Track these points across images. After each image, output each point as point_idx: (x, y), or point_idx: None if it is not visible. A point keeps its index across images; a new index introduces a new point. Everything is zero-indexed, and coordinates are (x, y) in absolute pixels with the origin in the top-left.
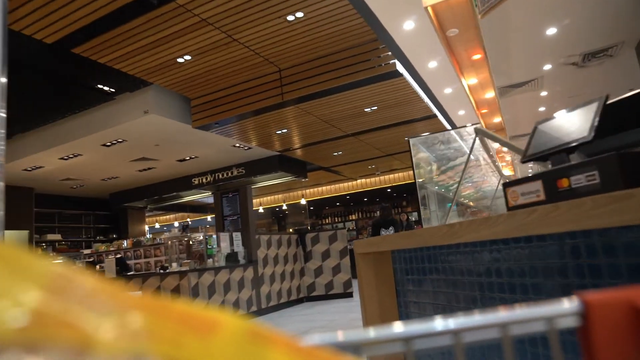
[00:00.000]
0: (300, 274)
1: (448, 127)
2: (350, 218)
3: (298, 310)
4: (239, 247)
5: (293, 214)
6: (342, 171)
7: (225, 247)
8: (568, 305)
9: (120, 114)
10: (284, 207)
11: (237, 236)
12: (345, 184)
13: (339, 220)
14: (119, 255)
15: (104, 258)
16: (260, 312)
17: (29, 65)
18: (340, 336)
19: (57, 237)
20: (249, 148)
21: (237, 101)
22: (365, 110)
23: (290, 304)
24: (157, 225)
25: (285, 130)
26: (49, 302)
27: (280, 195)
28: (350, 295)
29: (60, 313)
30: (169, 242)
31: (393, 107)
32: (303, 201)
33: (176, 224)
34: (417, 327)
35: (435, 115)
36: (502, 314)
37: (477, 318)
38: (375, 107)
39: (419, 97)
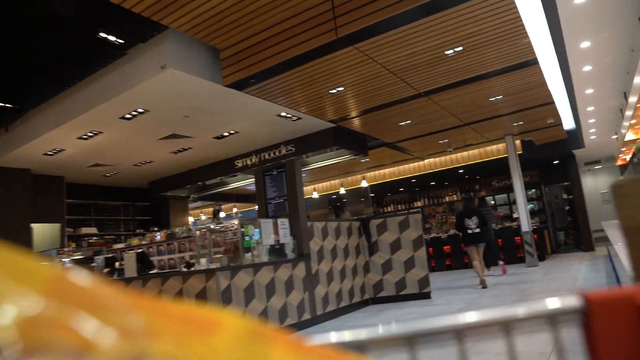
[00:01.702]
0: (365, 270)
1: (552, 82)
2: (416, 205)
3: (362, 317)
4: (286, 238)
5: (352, 201)
6: (408, 148)
7: (268, 237)
8: (570, 303)
9: (134, 72)
10: (342, 192)
11: (283, 223)
12: (411, 165)
13: (403, 208)
14: (140, 250)
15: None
16: (315, 320)
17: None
18: (343, 335)
19: (93, 230)
20: (298, 119)
21: (278, 45)
22: (446, 53)
23: (352, 307)
24: (202, 217)
25: (342, 89)
26: (49, 305)
27: (337, 181)
28: (427, 296)
29: (60, 316)
30: (197, 232)
31: (485, 44)
32: (364, 183)
33: (222, 214)
34: (419, 325)
35: (536, 62)
36: (504, 312)
37: (479, 316)
38: (461, 48)
39: (523, 31)
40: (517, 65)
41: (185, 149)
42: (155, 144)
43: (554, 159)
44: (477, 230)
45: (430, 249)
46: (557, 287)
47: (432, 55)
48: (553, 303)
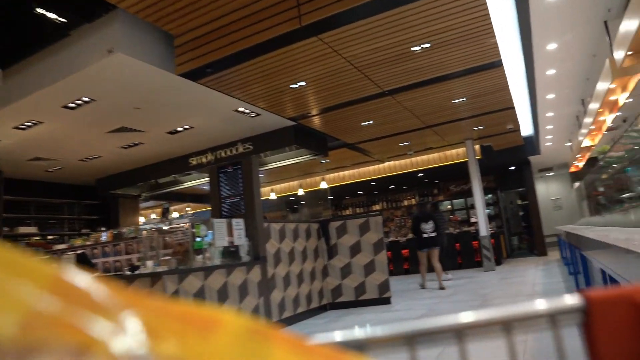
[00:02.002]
0: (323, 275)
1: (514, 84)
2: (374, 209)
3: (321, 324)
4: (241, 239)
5: (311, 203)
6: (369, 150)
7: (221, 238)
8: (570, 302)
9: (78, 56)
10: (301, 193)
11: (238, 224)
12: (371, 168)
13: (362, 211)
14: (80, 251)
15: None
16: None
17: None
18: (342, 334)
19: (32, 229)
20: (257, 115)
21: (236, 32)
22: (413, 49)
23: (310, 313)
24: (153, 217)
25: (303, 84)
26: (49, 304)
27: (295, 182)
28: (387, 301)
29: (60, 315)
30: (144, 232)
31: (452, 42)
32: (324, 185)
33: (176, 214)
34: (419, 325)
35: (500, 64)
36: (505, 311)
37: (479, 315)
38: (428, 45)
39: (491, 30)
40: (482, 67)
41: (136, 144)
42: (103, 138)
43: (510, 165)
44: (433, 234)
45: (389, 252)
46: (517, 292)
47: (399, 51)
48: (553, 302)
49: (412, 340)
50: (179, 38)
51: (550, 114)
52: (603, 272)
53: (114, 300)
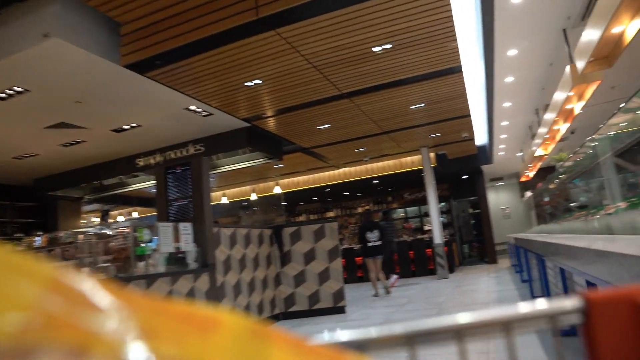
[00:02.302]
0: (276, 283)
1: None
2: (328, 215)
3: None
4: (188, 245)
5: (264, 209)
6: (324, 155)
7: (167, 244)
8: (570, 303)
9: (8, 39)
10: (254, 199)
11: (186, 228)
12: (326, 174)
13: (316, 218)
14: None
15: None
16: None
17: None
18: (342, 334)
19: None
20: (209, 114)
21: (189, 22)
22: (374, 49)
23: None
24: (96, 220)
25: (259, 82)
26: (49, 303)
27: (248, 187)
28: (342, 310)
29: (59, 315)
30: (80, 237)
31: (414, 45)
32: (277, 190)
33: (121, 218)
34: (419, 325)
35: (460, 69)
36: (505, 312)
37: (479, 316)
38: (390, 46)
39: (453, 33)
40: (442, 72)
41: (77, 142)
42: (40, 134)
43: (463, 174)
44: (378, 243)
45: (343, 260)
46: (473, 300)
47: (359, 51)
48: (553, 303)
49: (412, 340)
50: (126, 26)
51: (505, 123)
52: (564, 278)
53: (113, 301)
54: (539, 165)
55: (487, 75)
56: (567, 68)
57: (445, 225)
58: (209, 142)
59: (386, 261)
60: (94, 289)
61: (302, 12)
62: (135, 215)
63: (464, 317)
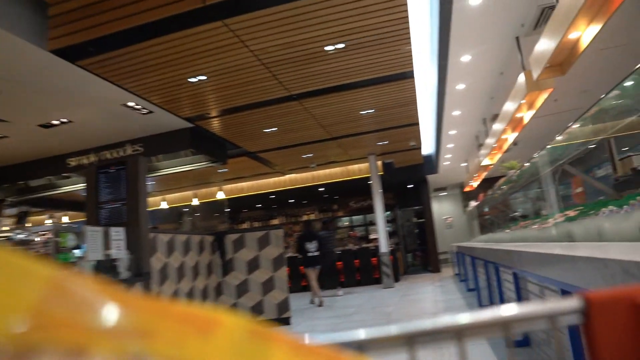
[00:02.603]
0: (217, 293)
1: (422, 97)
2: (273, 223)
3: None
4: (120, 252)
5: (206, 216)
6: (270, 160)
7: (95, 251)
8: (570, 303)
9: None
10: (195, 204)
11: (118, 233)
12: (271, 180)
13: (260, 225)
14: None
15: None
16: None
17: None
18: (342, 335)
19: None
20: (149, 112)
21: (128, 6)
22: (327, 49)
23: None
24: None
25: (204, 78)
26: (49, 304)
27: (190, 193)
28: (287, 321)
29: (58, 316)
30: None
31: (367, 45)
32: (221, 195)
33: (49, 222)
34: (418, 325)
35: (412, 75)
36: (504, 312)
37: (479, 316)
38: (343, 45)
39: (407, 35)
40: (394, 76)
41: None
42: None
43: (409, 183)
44: (317, 253)
45: (287, 269)
46: (421, 310)
47: (311, 49)
48: (553, 303)
49: (412, 340)
50: (54, 7)
51: (453, 132)
52: (517, 286)
53: (112, 302)
54: (484, 175)
55: (439, 82)
56: (521, 75)
57: (390, 234)
58: (148, 142)
59: (327, 271)
60: (94, 290)
61: (252, 2)
62: (65, 220)
63: (463, 318)
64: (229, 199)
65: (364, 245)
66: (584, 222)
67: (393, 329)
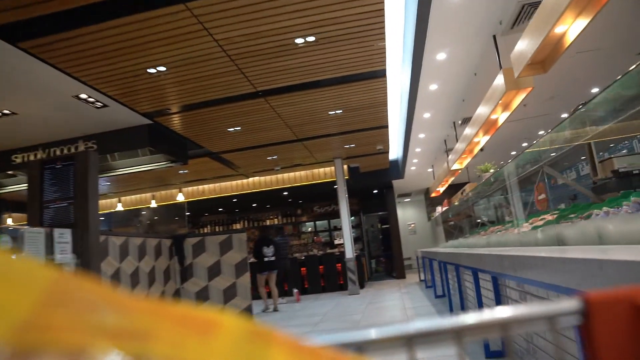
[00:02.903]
0: (175, 300)
1: (393, 97)
2: (235, 228)
3: None
4: (66, 256)
5: (165, 220)
6: (233, 162)
7: (37, 254)
8: (569, 304)
9: None
10: (154, 206)
11: (63, 236)
12: (234, 183)
13: (221, 230)
14: None
15: None
16: None
17: None
18: (342, 336)
19: None
20: (104, 106)
21: None
22: (297, 41)
23: None
24: None
25: (163, 69)
26: (48, 306)
27: (148, 195)
28: None
29: (57, 318)
30: None
31: (339, 39)
32: (180, 197)
33: None
34: (418, 326)
35: (384, 74)
36: (503, 313)
37: (478, 317)
38: (313, 39)
39: (382, 29)
40: (366, 75)
41: None
42: None
43: (374, 188)
44: (273, 258)
45: (249, 274)
46: (391, 318)
47: (280, 41)
48: (552, 304)
49: (411, 341)
50: None
51: (422, 136)
52: (496, 291)
53: (111, 303)
54: (451, 180)
55: (412, 81)
56: (500, 74)
57: (355, 240)
58: (103, 139)
59: (281, 279)
60: (93, 292)
61: None
62: (9, 222)
63: (463, 319)
64: (189, 202)
65: (329, 250)
66: (569, 226)
67: (393, 330)
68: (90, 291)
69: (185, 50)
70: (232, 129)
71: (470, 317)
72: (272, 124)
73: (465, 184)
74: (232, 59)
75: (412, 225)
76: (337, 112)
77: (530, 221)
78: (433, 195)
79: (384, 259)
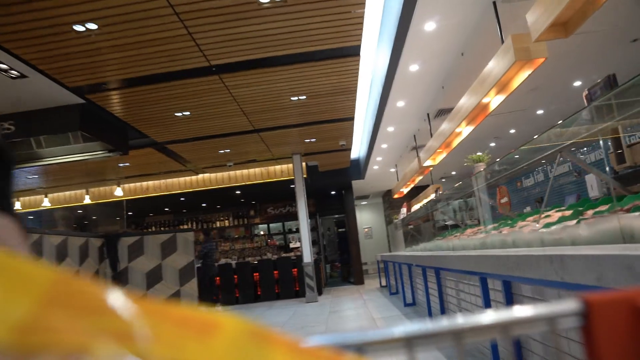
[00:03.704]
0: None
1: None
2: (182, 228)
3: None
4: None
5: (103, 220)
6: (181, 154)
7: None
8: (569, 305)
9: None
10: (87, 201)
11: None
12: (182, 179)
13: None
14: None
15: None
16: None
17: None
18: (342, 336)
19: None
20: (22, 76)
21: None
22: (262, 0)
23: None
24: None
25: (94, 27)
26: (47, 307)
27: (82, 191)
28: None
29: (58, 319)
30: None
31: (309, 2)
32: (119, 192)
33: None
34: (418, 327)
35: (357, 52)
36: (504, 315)
37: (478, 319)
38: None
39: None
40: (337, 52)
41: None
42: None
43: (332, 189)
44: (198, 265)
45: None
46: (362, 328)
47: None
48: (552, 305)
49: (411, 342)
50: None
51: (391, 129)
52: (485, 294)
53: (111, 304)
54: (418, 179)
55: (392, 58)
56: (507, 41)
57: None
58: (24, 119)
59: (207, 287)
60: (94, 293)
61: None
62: None
63: (463, 320)
64: (131, 201)
65: (284, 254)
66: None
67: (393, 331)
68: (90, 292)
69: (122, 1)
70: (181, 114)
71: (471, 319)
72: (226, 109)
73: (427, 186)
74: (181, 18)
75: (368, 229)
76: (300, 97)
77: (532, 218)
78: (396, 196)
79: (338, 264)
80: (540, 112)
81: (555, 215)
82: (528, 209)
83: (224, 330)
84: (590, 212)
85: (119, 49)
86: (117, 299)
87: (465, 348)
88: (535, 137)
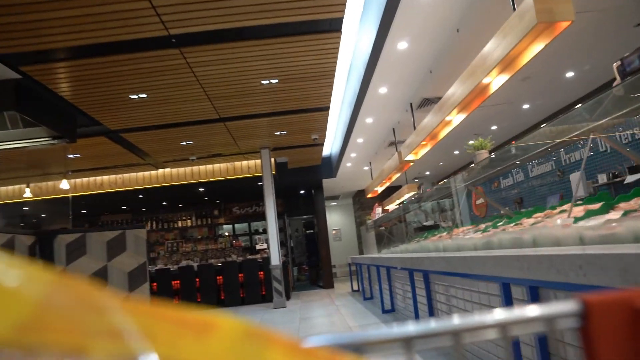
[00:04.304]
0: None
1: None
2: (133, 225)
3: None
4: None
5: (50, 219)
6: (139, 146)
7: None
8: (568, 306)
9: None
10: (28, 196)
11: None
12: (140, 175)
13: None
14: None
15: None
16: None
17: None
18: (339, 336)
19: None
20: None
21: None
22: None
23: None
24: None
25: None
26: (46, 308)
27: (23, 185)
28: None
29: (57, 319)
30: None
31: None
32: (65, 185)
33: None
34: (416, 327)
35: (339, 27)
36: (502, 315)
37: (477, 319)
38: None
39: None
40: (315, 26)
41: None
42: None
43: (301, 188)
44: None
45: (155, 284)
46: None
47: None
48: (551, 306)
49: (409, 342)
50: None
51: (369, 120)
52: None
53: (110, 304)
54: (395, 176)
55: (379, 33)
56: (527, 1)
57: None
58: None
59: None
60: (91, 294)
61: None
62: None
63: (461, 320)
64: (84, 197)
65: (250, 256)
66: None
67: (391, 331)
68: (89, 293)
69: None
70: (136, 96)
71: (469, 319)
72: (188, 92)
73: (400, 187)
74: None
75: (337, 231)
76: (271, 81)
77: (542, 214)
78: (369, 195)
79: (306, 267)
80: (526, 106)
81: (576, 210)
82: (507, 208)
83: (221, 330)
84: (623, 205)
85: (59, 5)
86: (114, 300)
87: (464, 349)
88: (559, 117)
